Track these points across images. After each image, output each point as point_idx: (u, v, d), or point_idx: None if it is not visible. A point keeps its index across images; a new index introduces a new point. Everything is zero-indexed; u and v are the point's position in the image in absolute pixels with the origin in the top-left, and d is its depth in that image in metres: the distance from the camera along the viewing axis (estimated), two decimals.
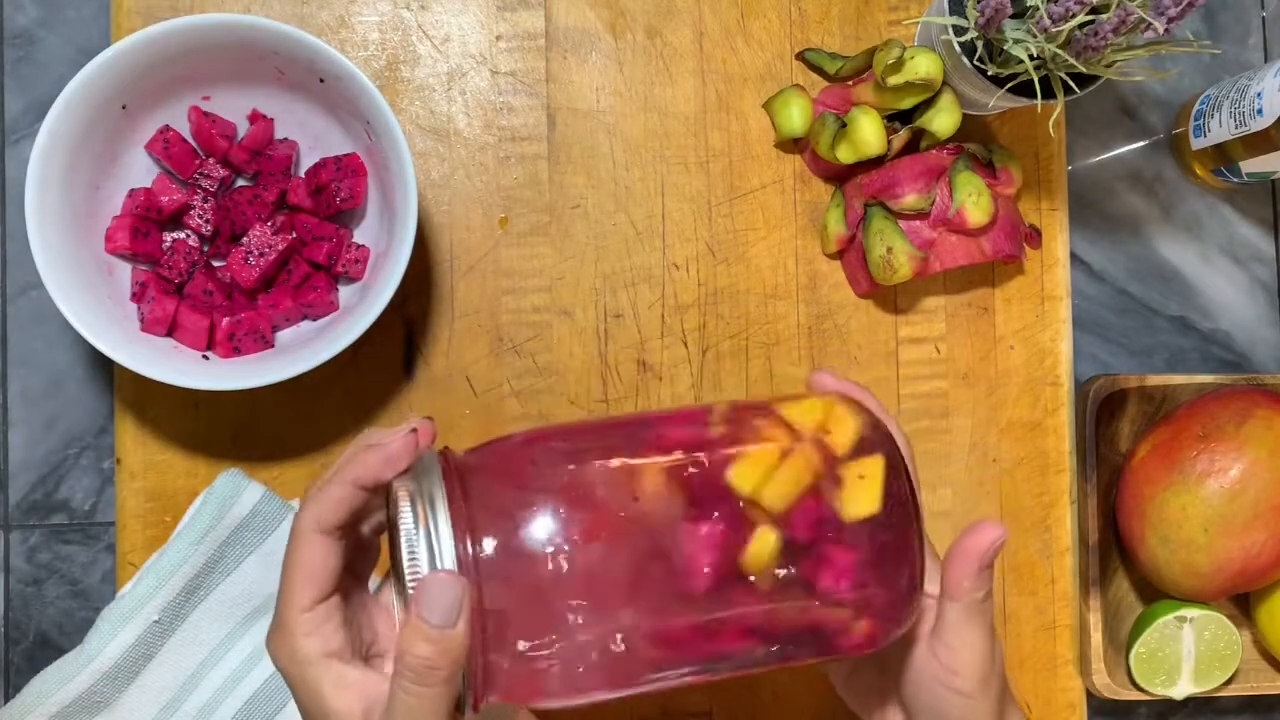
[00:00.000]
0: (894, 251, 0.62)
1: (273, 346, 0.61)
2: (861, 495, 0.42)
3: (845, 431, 0.43)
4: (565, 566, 0.39)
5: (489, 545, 0.39)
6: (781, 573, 0.41)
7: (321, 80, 0.58)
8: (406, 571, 0.39)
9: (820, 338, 0.66)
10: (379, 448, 0.42)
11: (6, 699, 0.65)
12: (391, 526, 0.41)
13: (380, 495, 0.43)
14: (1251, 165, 0.65)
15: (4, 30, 0.66)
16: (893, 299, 0.67)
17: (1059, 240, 0.68)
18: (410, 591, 0.39)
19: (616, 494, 0.41)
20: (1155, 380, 0.67)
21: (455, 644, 0.38)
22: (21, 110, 0.66)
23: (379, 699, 0.41)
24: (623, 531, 0.40)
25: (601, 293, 0.66)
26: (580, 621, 0.40)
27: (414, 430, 0.42)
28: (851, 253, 0.66)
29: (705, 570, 0.40)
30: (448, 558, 0.39)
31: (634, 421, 0.46)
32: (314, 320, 0.62)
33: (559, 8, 0.66)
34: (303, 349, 0.59)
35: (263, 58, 0.58)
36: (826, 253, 0.67)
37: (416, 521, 0.40)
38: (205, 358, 0.60)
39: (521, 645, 0.39)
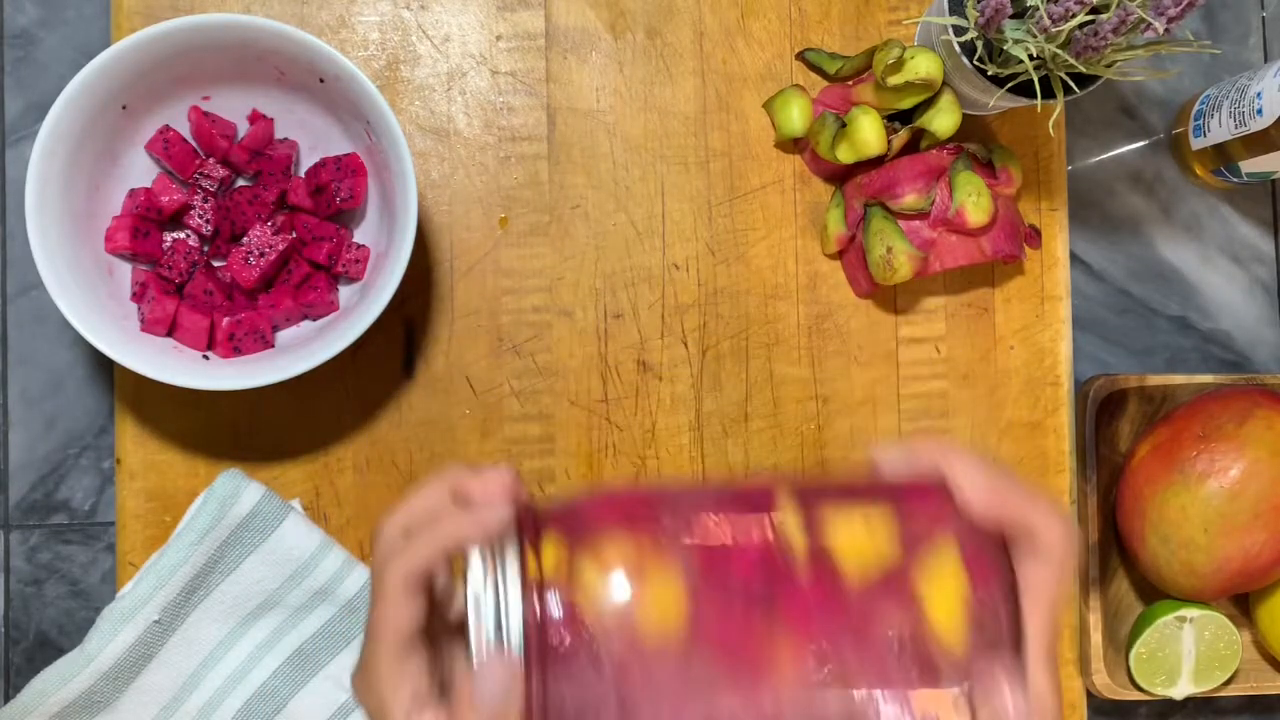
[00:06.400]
0: (894, 251, 0.62)
1: (273, 346, 0.61)
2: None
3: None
4: (640, 654, 0.38)
5: (562, 632, 0.38)
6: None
7: (321, 80, 0.58)
8: (472, 653, 0.38)
9: (820, 338, 0.66)
10: (478, 518, 0.40)
11: (6, 699, 0.65)
12: (462, 600, 0.40)
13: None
14: (1251, 165, 0.65)
15: (4, 30, 0.66)
16: (893, 299, 0.67)
17: (1059, 240, 0.68)
18: (473, 664, 0.38)
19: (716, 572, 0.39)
20: (1155, 380, 0.67)
21: None
22: (21, 110, 0.66)
23: None
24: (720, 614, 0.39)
25: (601, 293, 0.66)
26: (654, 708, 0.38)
27: (514, 481, 0.41)
28: (851, 253, 0.66)
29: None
30: (515, 646, 0.38)
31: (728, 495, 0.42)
32: (314, 320, 0.62)
33: (559, 8, 0.66)
34: (303, 349, 0.59)
35: (262, 58, 0.58)
36: (826, 253, 0.67)
37: (483, 612, 0.38)
38: (205, 358, 0.60)
39: None
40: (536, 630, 0.38)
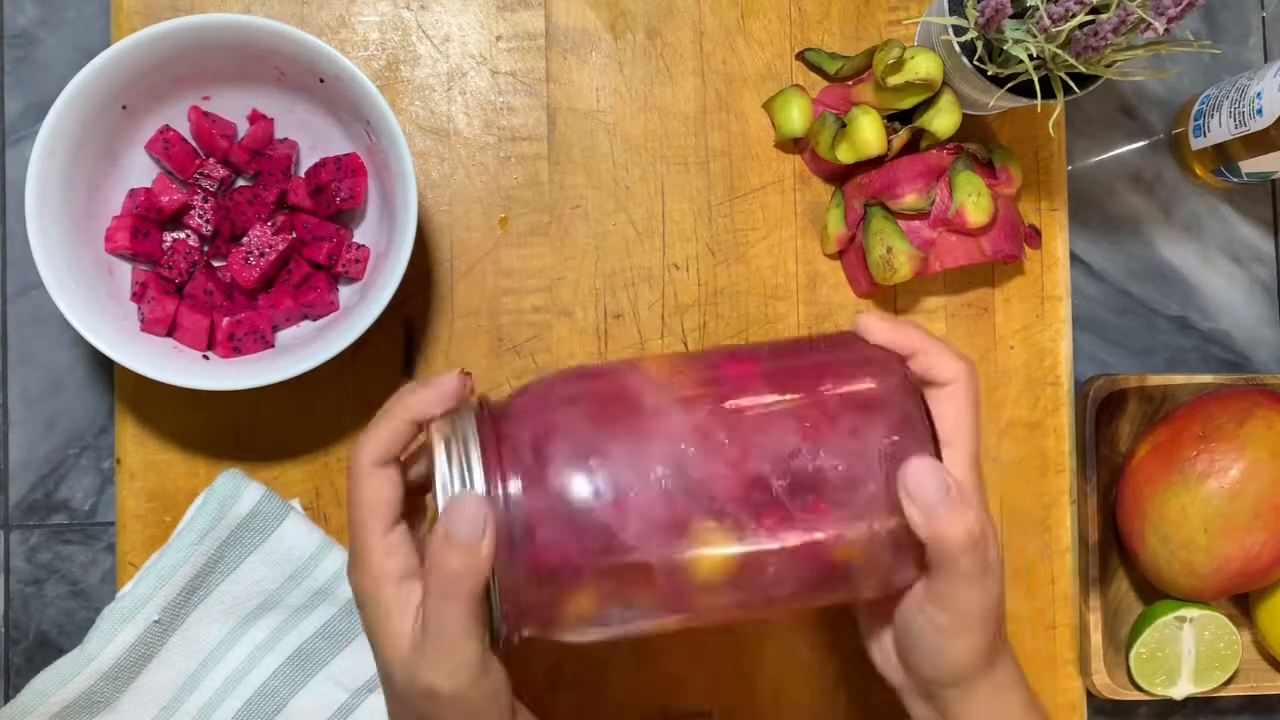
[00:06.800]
0: (894, 251, 0.62)
1: (273, 346, 0.61)
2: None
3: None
4: (595, 504, 0.41)
5: (515, 484, 0.41)
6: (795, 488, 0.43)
7: (321, 80, 0.58)
8: (439, 501, 0.41)
9: None
10: (431, 386, 0.44)
11: (6, 699, 0.65)
12: (430, 470, 0.43)
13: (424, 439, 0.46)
14: (1251, 165, 0.65)
15: (4, 30, 0.66)
16: (893, 299, 0.67)
17: (1059, 240, 0.68)
18: (442, 503, 0.41)
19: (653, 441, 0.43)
20: (1155, 380, 0.67)
21: (480, 558, 0.40)
22: (21, 110, 0.66)
23: None
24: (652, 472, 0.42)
25: (601, 293, 0.66)
26: (608, 555, 0.41)
27: (463, 373, 0.45)
28: (851, 253, 0.66)
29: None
30: (478, 487, 0.41)
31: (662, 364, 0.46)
32: (314, 320, 0.62)
33: (559, 8, 0.66)
34: (303, 349, 0.59)
35: (262, 58, 0.58)
36: (826, 253, 0.67)
37: (450, 458, 0.42)
38: (205, 358, 0.60)
39: (550, 575, 0.41)
40: (497, 465, 0.42)
